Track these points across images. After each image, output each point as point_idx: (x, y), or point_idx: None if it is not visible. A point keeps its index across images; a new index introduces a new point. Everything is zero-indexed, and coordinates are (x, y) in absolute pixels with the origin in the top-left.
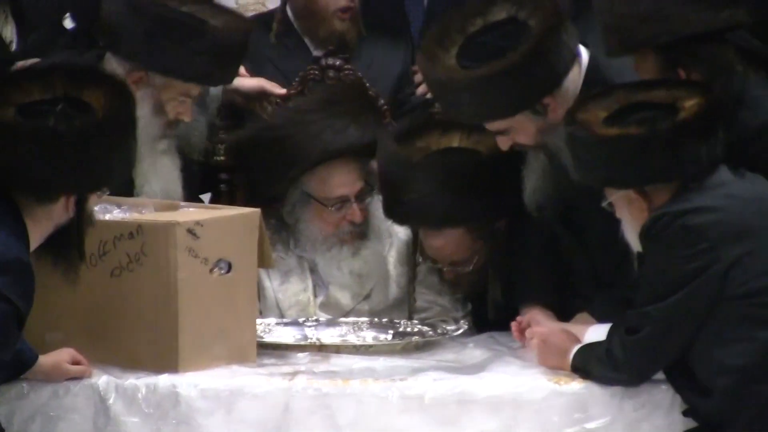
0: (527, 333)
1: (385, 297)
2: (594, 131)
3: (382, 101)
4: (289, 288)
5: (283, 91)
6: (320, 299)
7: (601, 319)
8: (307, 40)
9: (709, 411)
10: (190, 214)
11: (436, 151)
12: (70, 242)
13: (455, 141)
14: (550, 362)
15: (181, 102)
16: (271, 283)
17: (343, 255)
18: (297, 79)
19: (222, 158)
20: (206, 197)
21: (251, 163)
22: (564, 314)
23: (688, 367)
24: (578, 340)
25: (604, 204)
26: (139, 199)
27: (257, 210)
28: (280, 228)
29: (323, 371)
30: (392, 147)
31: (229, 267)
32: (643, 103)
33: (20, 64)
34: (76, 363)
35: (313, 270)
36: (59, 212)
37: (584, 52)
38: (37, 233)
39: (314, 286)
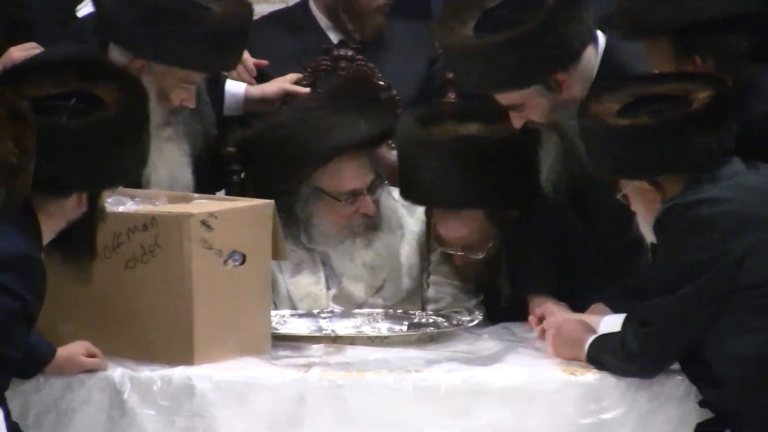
0: (545, 324)
1: (397, 289)
2: (606, 122)
3: (393, 92)
4: (300, 280)
5: (306, 90)
6: (333, 292)
7: (619, 309)
8: (331, 35)
9: (722, 401)
10: (203, 205)
11: (455, 136)
12: (82, 237)
13: (473, 129)
14: (565, 353)
15: (185, 88)
16: (283, 275)
17: (355, 247)
18: (308, 70)
19: (233, 149)
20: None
21: (260, 161)
22: (573, 305)
23: (703, 357)
24: (593, 331)
25: (618, 196)
26: (153, 191)
27: (271, 201)
28: (289, 221)
29: (338, 363)
30: (411, 128)
31: (243, 259)
32: (656, 96)
33: (15, 51)
34: (91, 355)
35: (325, 263)
36: (72, 208)
37: (601, 36)
38: (50, 228)
39: (326, 279)
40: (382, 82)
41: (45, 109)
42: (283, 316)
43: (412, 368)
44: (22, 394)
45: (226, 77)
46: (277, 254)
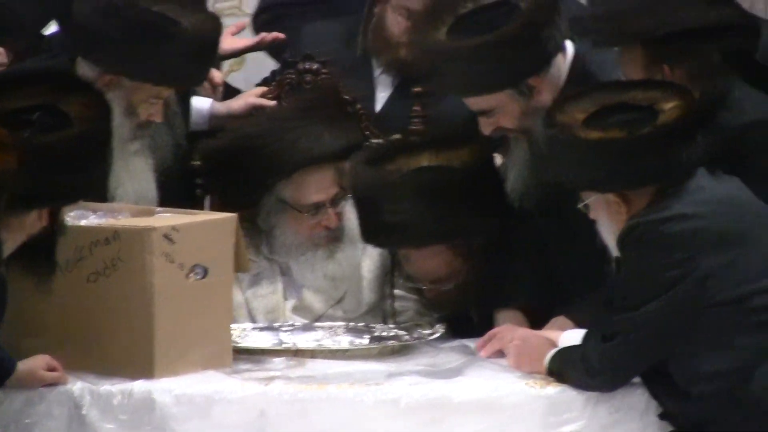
0: (506, 338)
1: (358, 301)
2: (575, 134)
3: (358, 105)
4: (258, 291)
5: (273, 103)
6: (292, 302)
7: (582, 323)
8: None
9: (687, 416)
10: (166, 219)
11: (408, 171)
12: (41, 252)
13: (424, 160)
14: (526, 366)
15: (153, 103)
16: (240, 285)
17: (317, 258)
18: (273, 83)
19: (199, 163)
20: None
21: (226, 171)
22: (547, 317)
23: (666, 371)
24: (554, 345)
25: (580, 205)
26: (115, 204)
27: (234, 215)
28: (251, 232)
29: (299, 376)
30: (364, 171)
31: (205, 272)
32: (621, 104)
33: None
34: (51, 369)
35: (285, 273)
36: (32, 222)
37: (569, 45)
38: (10, 242)
39: (284, 289)
40: (347, 96)
41: (9, 123)
42: (244, 329)
43: (374, 381)
44: None
45: (192, 93)
46: (239, 267)
